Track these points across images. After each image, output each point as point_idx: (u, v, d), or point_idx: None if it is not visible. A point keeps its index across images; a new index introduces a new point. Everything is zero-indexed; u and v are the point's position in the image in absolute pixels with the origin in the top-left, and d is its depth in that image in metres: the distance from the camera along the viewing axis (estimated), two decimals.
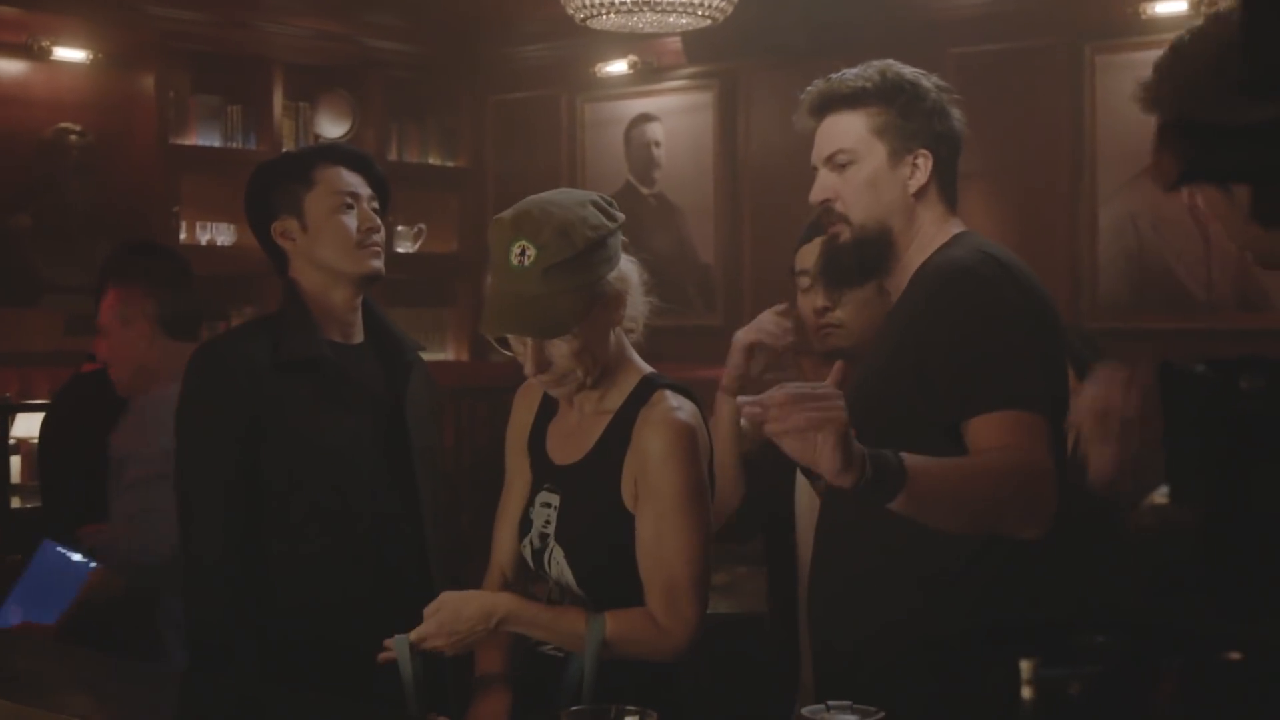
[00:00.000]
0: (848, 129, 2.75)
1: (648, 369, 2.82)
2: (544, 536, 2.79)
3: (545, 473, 2.85)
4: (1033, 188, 7.20)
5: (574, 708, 2.18)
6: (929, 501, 2.34)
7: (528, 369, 2.74)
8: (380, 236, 3.28)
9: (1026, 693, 1.18)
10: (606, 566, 2.71)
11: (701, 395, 3.29)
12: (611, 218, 2.75)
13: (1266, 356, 1.10)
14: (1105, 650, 1.20)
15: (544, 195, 2.75)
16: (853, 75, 2.77)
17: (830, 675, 2.73)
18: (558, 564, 2.76)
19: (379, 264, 3.28)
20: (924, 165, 2.74)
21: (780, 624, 3.36)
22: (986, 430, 2.48)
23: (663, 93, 8.51)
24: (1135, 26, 6.84)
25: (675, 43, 8.08)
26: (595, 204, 2.74)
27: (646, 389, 2.75)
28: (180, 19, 7.84)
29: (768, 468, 3.27)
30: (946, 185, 2.78)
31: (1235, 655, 1.12)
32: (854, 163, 2.73)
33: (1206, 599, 1.10)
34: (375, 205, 3.31)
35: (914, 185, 2.74)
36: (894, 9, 7.16)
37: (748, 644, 4.29)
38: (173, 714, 2.90)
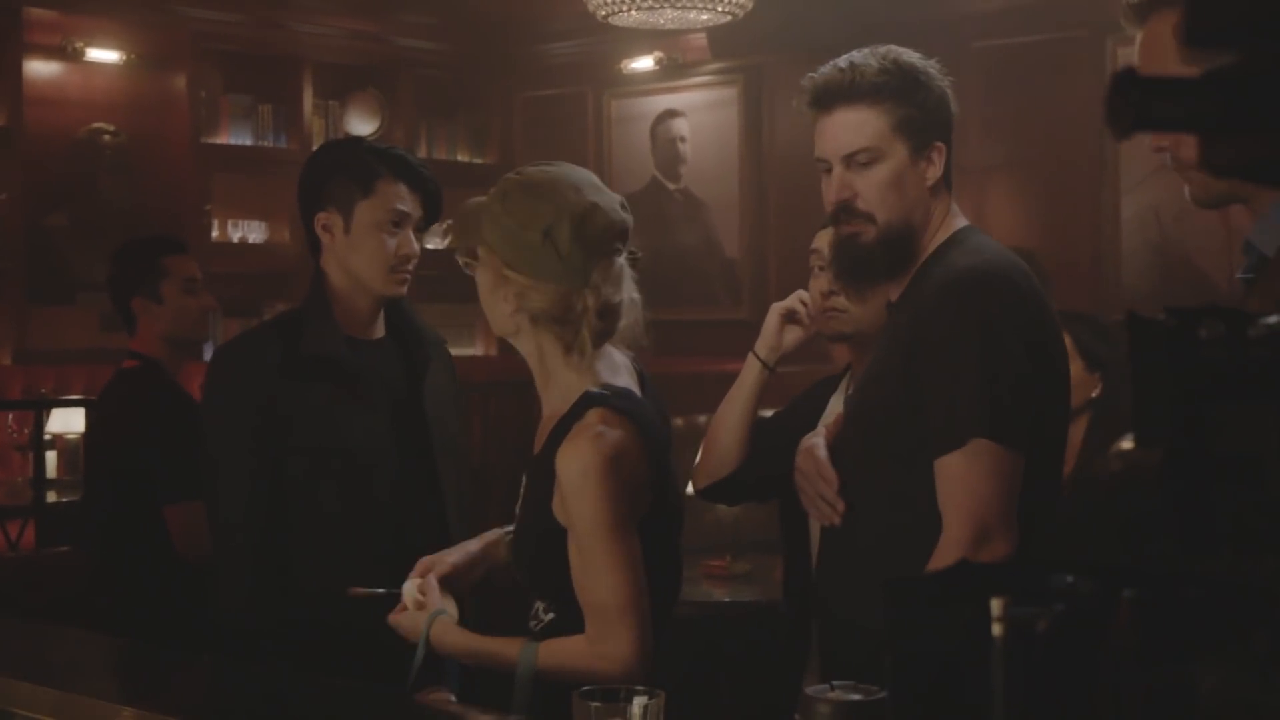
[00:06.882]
0: (866, 126, 2.68)
1: (603, 379, 2.67)
2: (514, 515, 2.80)
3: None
4: (1056, 180, 7.23)
5: (584, 688, 2.17)
6: None
7: None
8: (414, 264, 3.30)
9: (997, 629, 1.22)
10: (533, 564, 2.69)
11: (725, 390, 3.33)
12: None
13: (1225, 305, 1.15)
14: (1072, 590, 1.25)
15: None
16: (865, 67, 2.70)
17: (837, 656, 2.77)
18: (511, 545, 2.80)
19: (404, 289, 3.31)
20: (939, 159, 2.71)
21: (794, 609, 3.40)
22: (944, 468, 2.56)
23: (688, 88, 8.57)
24: None
25: (700, 39, 8.12)
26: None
27: (584, 403, 2.61)
28: (212, 19, 7.94)
29: (780, 435, 3.29)
30: (949, 174, 2.75)
31: (1193, 589, 1.16)
32: (878, 161, 2.68)
33: (1169, 535, 1.14)
34: (422, 226, 3.33)
35: (931, 179, 2.71)
36: (917, 2, 7.19)
37: (767, 630, 4.35)
38: (205, 697, 2.95)
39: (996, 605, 1.19)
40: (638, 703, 2.13)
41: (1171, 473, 1.09)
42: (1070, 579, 1.24)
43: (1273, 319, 1.06)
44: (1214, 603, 1.15)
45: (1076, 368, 3.73)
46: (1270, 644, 1.11)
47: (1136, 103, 1.08)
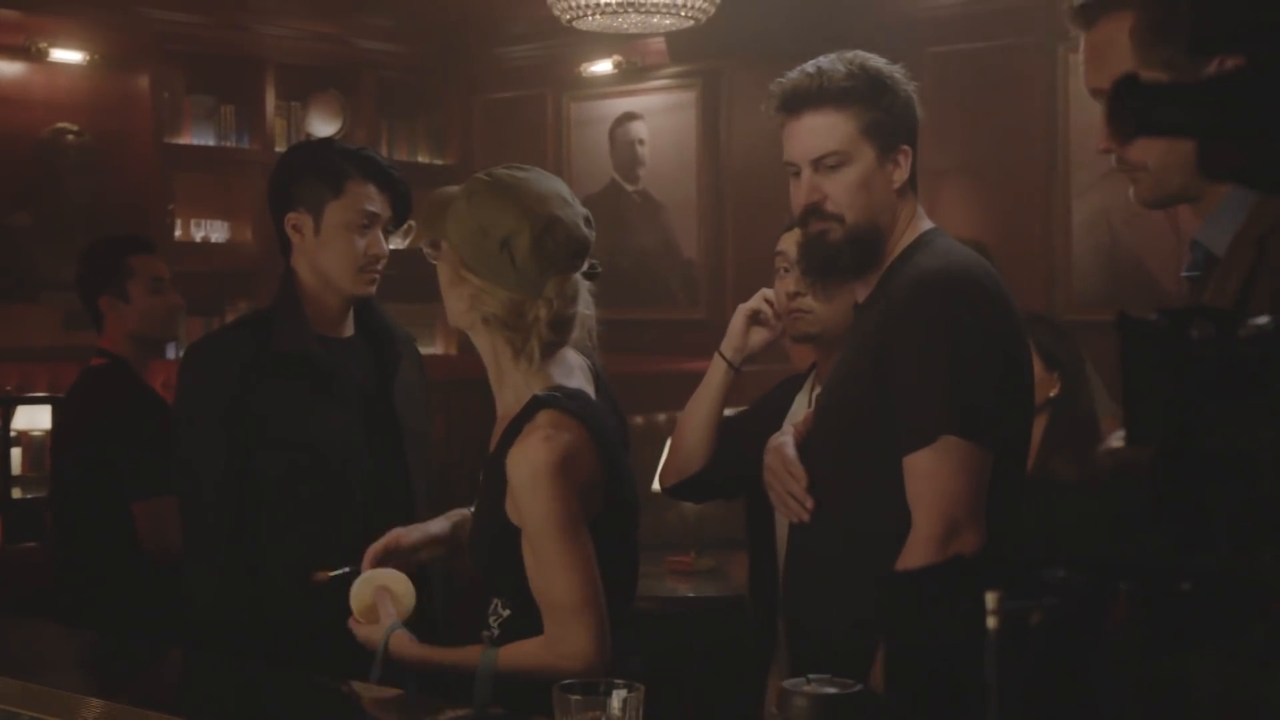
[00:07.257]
0: (834, 130, 2.73)
1: (555, 380, 2.69)
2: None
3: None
4: (1009, 183, 7.29)
5: (564, 681, 2.21)
6: None
7: None
8: (383, 264, 3.33)
9: (991, 622, 1.24)
10: (490, 562, 2.72)
11: (683, 388, 3.35)
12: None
13: (1214, 307, 1.18)
14: (1065, 583, 1.22)
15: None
16: (833, 72, 2.74)
17: (805, 653, 2.81)
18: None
19: (373, 289, 3.34)
20: (905, 162, 2.76)
21: (760, 605, 3.45)
22: (914, 465, 2.62)
23: (647, 92, 8.60)
24: None
25: (659, 42, 8.14)
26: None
27: (534, 405, 2.62)
28: (175, 20, 7.92)
29: (746, 435, 3.30)
30: (915, 177, 2.80)
31: (1188, 582, 1.15)
32: (846, 164, 2.72)
33: (1160, 532, 1.15)
34: (391, 226, 3.35)
35: (898, 181, 2.75)
36: (874, 8, 7.25)
37: (732, 625, 4.40)
38: (174, 691, 2.97)
39: (991, 598, 1.19)
40: (617, 696, 2.18)
41: (1164, 470, 1.11)
42: (1063, 572, 1.24)
43: (1262, 319, 1.08)
44: (1210, 596, 1.16)
45: (1036, 368, 3.79)
46: (1266, 637, 1.13)
47: (1138, 108, 1.10)
